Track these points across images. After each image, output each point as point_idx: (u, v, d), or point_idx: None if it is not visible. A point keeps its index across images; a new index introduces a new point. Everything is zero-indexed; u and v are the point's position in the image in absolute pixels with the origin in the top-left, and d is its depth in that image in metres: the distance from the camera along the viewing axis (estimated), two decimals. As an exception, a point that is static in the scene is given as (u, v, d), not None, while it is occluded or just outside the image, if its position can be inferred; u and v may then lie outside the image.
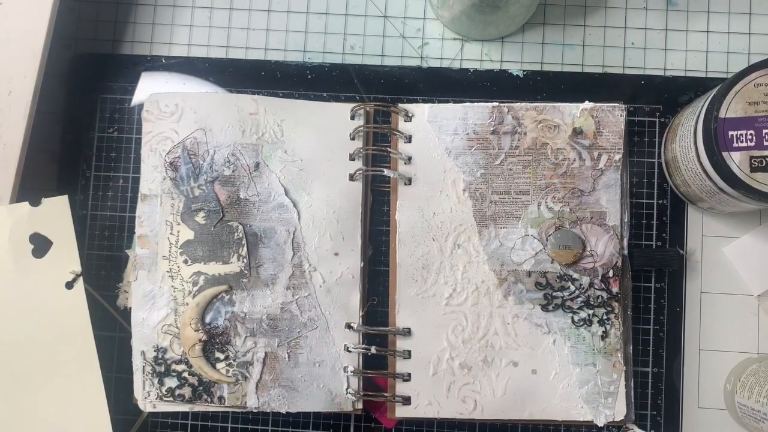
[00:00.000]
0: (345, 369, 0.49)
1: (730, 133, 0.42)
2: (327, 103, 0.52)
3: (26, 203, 0.49)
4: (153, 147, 0.51)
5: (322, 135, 0.51)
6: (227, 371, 0.49)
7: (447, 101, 0.52)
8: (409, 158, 0.51)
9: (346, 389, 0.49)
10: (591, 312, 0.49)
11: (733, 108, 0.42)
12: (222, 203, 0.50)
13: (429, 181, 0.50)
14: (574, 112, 0.50)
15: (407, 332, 0.49)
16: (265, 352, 0.49)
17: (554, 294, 0.49)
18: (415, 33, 0.54)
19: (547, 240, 0.49)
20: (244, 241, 0.50)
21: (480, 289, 0.49)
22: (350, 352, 0.49)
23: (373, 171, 0.51)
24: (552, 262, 0.49)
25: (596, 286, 0.49)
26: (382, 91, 0.53)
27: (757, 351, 0.50)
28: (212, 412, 0.51)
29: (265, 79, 0.53)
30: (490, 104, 0.50)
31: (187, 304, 0.49)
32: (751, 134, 0.42)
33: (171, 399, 0.49)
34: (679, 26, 0.53)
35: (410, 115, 0.51)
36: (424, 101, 0.52)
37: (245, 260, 0.50)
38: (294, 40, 0.55)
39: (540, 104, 0.50)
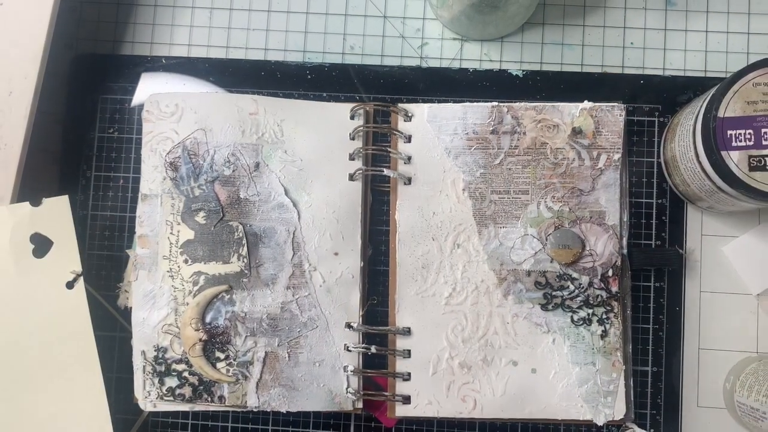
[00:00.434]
0: (345, 368, 0.49)
1: (729, 132, 0.42)
2: (327, 103, 0.52)
3: (27, 203, 0.49)
4: (153, 147, 0.51)
5: (321, 135, 0.51)
6: (227, 371, 0.49)
7: (446, 101, 0.52)
8: (409, 158, 0.51)
9: (346, 389, 0.49)
10: (590, 311, 0.49)
11: (731, 107, 0.42)
12: (222, 203, 0.50)
13: (429, 181, 0.50)
14: (574, 112, 0.50)
15: (407, 332, 0.49)
16: (266, 352, 0.49)
17: (554, 293, 0.49)
18: (415, 33, 0.54)
19: (546, 239, 0.49)
20: (244, 241, 0.50)
21: (480, 289, 0.49)
22: (350, 351, 0.49)
23: (372, 171, 0.51)
24: (551, 262, 0.49)
25: (596, 286, 0.49)
26: (381, 91, 0.53)
27: (756, 350, 0.50)
28: (212, 411, 0.51)
29: (265, 80, 0.53)
30: (489, 104, 0.51)
31: (188, 303, 0.50)
32: (749, 133, 0.42)
33: (171, 398, 0.49)
34: (678, 26, 0.53)
35: (410, 115, 0.51)
36: (424, 101, 0.52)
37: (245, 260, 0.50)
38: (294, 40, 0.55)
39: (539, 104, 0.50)
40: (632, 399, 0.49)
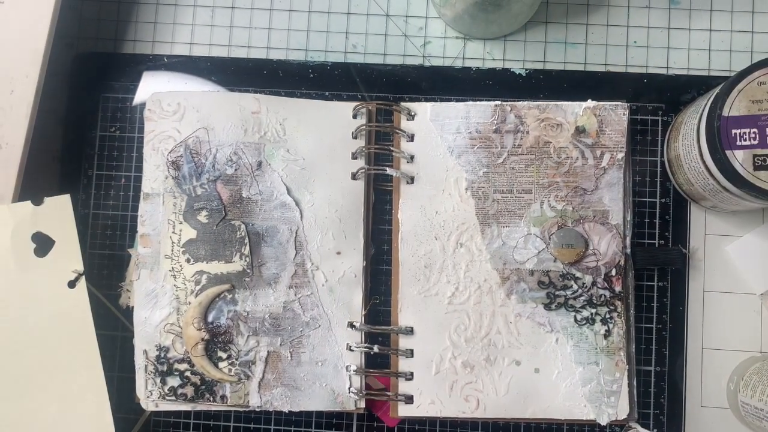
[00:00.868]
0: (347, 368, 0.49)
1: (734, 131, 0.42)
2: (329, 101, 0.52)
3: (28, 202, 0.49)
4: (155, 146, 0.51)
5: (324, 134, 0.51)
6: (230, 370, 0.49)
7: (449, 100, 0.52)
8: (412, 157, 0.50)
9: (349, 388, 0.49)
10: (594, 311, 0.49)
11: (736, 106, 0.42)
12: (224, 202, 0.50)
13: (431, 180, 0.50)
14: (577, 111, 0.50)
15: (410, 331, 0.49)
16: (268, 351, 0.49)
17: (557, 293, 0.49)
18: (418, 32, 0.54)
19: (549, 239, 0.49)
20: (246, 240, 0.50)
21: (482, 288, 0.49)
22: (353, 351, 0.49)
23: (375, 170, 0.51)
24: (555, 261, 0.49)
25: (599, 285, 0.49)
26: (384, 89, 0.53)
27: (760, 350, 0.50)
28: (214, 411, 0.51)
29: (267, 78, 0.53)
30: (492, 103, 0.50)
31: (190, 303, 0.49)
32: (754, 132, 0.42)
33: (173, 398, 0.49)
34: (682, 24, 0.53)
35: (412, 113, 0.51)
36: (427, 100, 0.52)
37: (248, 259, 0.50)
38: (296, 38, 0.54)
39: (542, 103, 0.50)
40: (635, 399, 0.49)
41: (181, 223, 0.50)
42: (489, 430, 0.50)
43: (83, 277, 0.49)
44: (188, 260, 0.50)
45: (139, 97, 0.53)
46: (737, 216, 0.51)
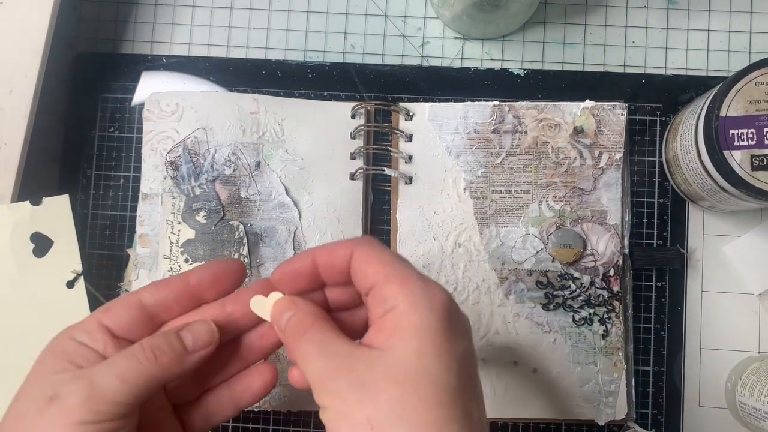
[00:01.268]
0: (346, 368, 0.49)
1: (731, 131, 0.42)
2: (328, 102, 0.52)
3: (27, 202, 0.49)
4: (154, 146, 0.51)
5: (322, 134, 0.51)
6: (228, 370, 0.49)
7: (448, 100, 0.52)
8: (410, 157, 0.51)
9: (347, 388, 0.49)
10: (592, 311, 0.49)
11: (734, 107, 0.42)
12: (223, 202, 0.50)
13: (430, 180, 0.50)
14: (575, 111, 0.50)
15: (408, 331, 0.49)
16: (266, 351, 0.49)
17: (555, 293, 0.49)
18: (416, 32, 0.54)
19: (548, 239, 0.49)
20: (245, 241, 0.50)
21: (481, 288, 0.49)
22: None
23: (373, 170, 0.51)
24: (553, 261, 0.49)
25: (597, 285, 0.49)
26: (382, 90, 0.53)
27: (758, 350, 0.50)
28: (213, 411, 0.51)
29: (265, 78, 0.53)
30: (490, 103, 0.50)
31: (188, 303, 0.49)
32: (752, 133, 0.42)
33: (172, 398, 0.49)
34: (680, 25, 0.53)
35: (411, 114, 0.51)
36: (425, 100, 0.52)
37: (246, 259, 0.50)
38: (295, 39, 0.54)
39: (541, 103, 0.50)
40: (634, 399, 0.49)
41: (179, 223, 0.50)
42: (487, 430, 0.50)
43: (82, 277, 0.49)
44: (187, 260, 0.50)
45: (137, 98, 0.53)
46: (735, 216, 0.51)
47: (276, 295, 0.36)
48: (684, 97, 0.51)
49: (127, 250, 0.52)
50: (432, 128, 0.51)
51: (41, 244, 0.49)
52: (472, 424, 0.30)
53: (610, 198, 0.49)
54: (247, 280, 0.49)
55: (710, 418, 0.49)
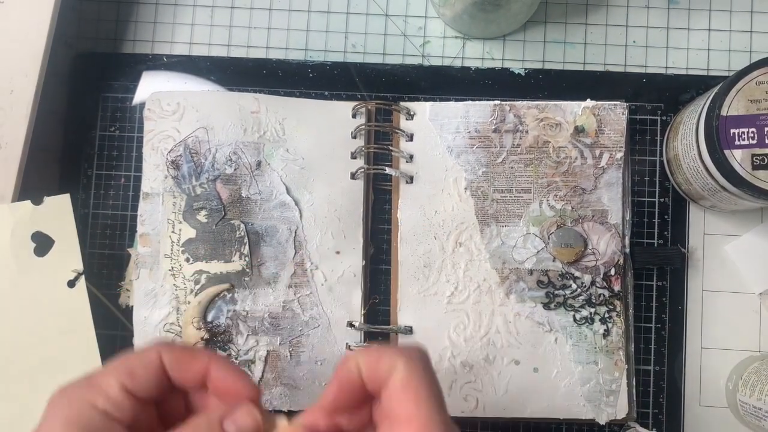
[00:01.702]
0: (347, 367, 0.49)
1: (732, 131, 0.42)
2: (328, 101, 0.52)
3: (28, 202, 0.49)
4: (155, 145, 0.51)
5: (323, 133, 0.51)
6: (229, 370, 0.49)
7: (448, 99, 0.52)
8: (411, 156, 0.51)
9: (348, 387, 0.49)
10: (593, 310, 0.49)
11: (734, 106, 0.42)
12: (224, 201, 0.50)
13: (430, 180, 0.50)
14: (576, 111, 0.50)
15: (409, 330, 0.49)
16: (267, 351, 0.49)
17: (556, 292, 0.49)
18: (417, 31, 0.54)
19: (548, 238, 0.49)
20: (245, 240, 0.50)
21: (482, 288, 0.49)
22: (352, 350, 0.49)
23: (374, 169, 0.51)
24: (554, 261, 0.49)
25: (598, 285, 0.49)
26: (383, 89, 0.53)
27: (759, 349, 0.50)
28: (214, 410, 0.51)
29: (266, 78, 0.53)
30: (491, 102, 0.50)
31: (189, 302, 0.50)
32: (752, 132, 0.42)
33: (173, 397, 0.49)
34: (681, 24, 0.53)
35: (412, 113, 0.51)
36: (426, 99, 0.52)
37: (247, 259, 0.50)
38: (295, 38, 0.54)
39: (542, 102, 0.50)
40: (634, 398, 0.49)
41: (180, 222, 0.50)
42: (488, 429, 0.50)
43: (83, 276, 0.49)
44: (188, 260, 0.50)
45: (138, 97, 0.53)
46: (736, 215, 0.51)
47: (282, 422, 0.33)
48: (685, 97, 0.51)
49: (128, 249, 0.52)
50: (433, 128, 0.51)
51: (42, 244, 0.49)
52: None
53: (610, 197, 0.49)
54: (247, 279, 0.50)
55: (711, 418, 0.50)
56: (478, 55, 0.54)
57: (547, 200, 0.50)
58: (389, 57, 0.54)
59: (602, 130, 0.50)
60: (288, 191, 0.50)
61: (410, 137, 0.51)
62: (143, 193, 0.51)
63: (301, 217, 0.50)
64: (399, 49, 0.54)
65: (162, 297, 0.50)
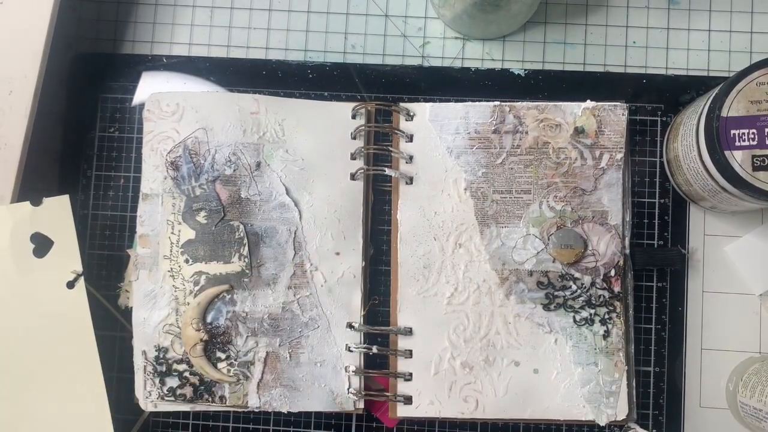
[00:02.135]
0: (346, 368, 0.49)
1: (732, 132, 0.42)
2: (328, 102, 0.52)
3: (27, 203, 0.49)
4: (154, 146, 0.51)
5: (323, 134, 0.51)
6: (228, 371, 0.49)
7: (448, 100, 0.52)
8: (411, 157, 0.50)
9: (348, 389, 0.49)
10: (593, 311, 0.49)
11: (735, 107, 0.42)
12: (223, 203, 0.50)
13: (430, 181, 0.50)
14: (576, 111, 0.50)
15: (409, 332, 0.49)
16: (267, 352, 0.49)
17: (556, 293, 0.49)
18: (417, 32, 0.54)
19: (548, 239, 0.49)
20: (245, 241, 0.50)
21: (481, 289, 0.49)
22: (352, 351, 0.49)
23: (374, 170, 0.51)
24: (553, 262, 0.49)
25: (598, 286, 0.49)
26: (383, 90, 0.53)
27: (759, 350, 0.50)
28: (213, 411, 0.51)
29: (266, 79, 0.53)
30: (491, 103, 0.50)
31: (189, 303, 0.49)
32: (753, 133, 0.42)
33: (172, 398, 0.49)
34: (681, 25, 0.53)
35: (411, 114, 0.51)
36: (426, 100, 0.52)
37: (246, 260, 0.50)
38: (295, 39, 0.54)
39: (541, 103, 0.50)
40: (635, 399, 0.49)
41: (179, 223, 0.50)
42: (488, 430, 0.50)
43: (82, 277, 0.49)
44: (187, 261, 0.50)
45: (138, 98, 0.53)
46: (736, 216, 0.51)
47: None
48: (685, 98, 0.51)
49: (127, 250, 0.52)
50: (433, 128, 0.50)
51: (41, 245, 0.49)
52: None
53: (610, 198, 0.49)
54: (246, 280, 0.49)
55: (711, 419, 0.49)
56: (478, 55, 0.54)
57: (547, 201, 0.50)
58: (389, 58, 0.54)
59: (602, 130, 0.50)
60: (287, 192, 0.50)
61: (410, 138, 0.51)
62: (142, 194, 0.51)
63: (300, 218, 0.50)
64: (399, 50, 0.54)
65: (161, 298, 0.50)
